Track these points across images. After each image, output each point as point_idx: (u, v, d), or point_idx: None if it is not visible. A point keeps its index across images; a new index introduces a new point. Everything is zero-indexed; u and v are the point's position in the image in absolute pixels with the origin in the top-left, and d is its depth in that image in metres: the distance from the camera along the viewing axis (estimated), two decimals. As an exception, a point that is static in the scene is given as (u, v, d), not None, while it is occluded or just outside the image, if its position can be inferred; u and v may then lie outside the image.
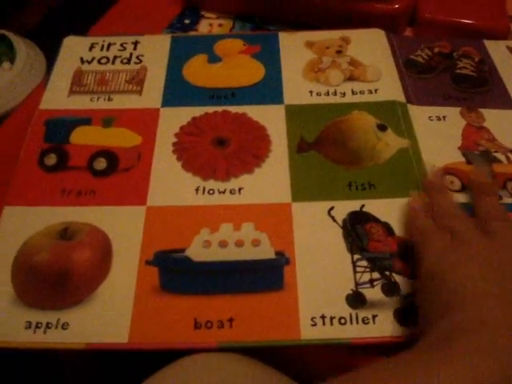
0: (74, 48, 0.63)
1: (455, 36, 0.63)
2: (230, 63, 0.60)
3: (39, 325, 0.42)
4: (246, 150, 0.52)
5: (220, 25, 0.69)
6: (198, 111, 0.56)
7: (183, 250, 0.46)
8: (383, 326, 0.42)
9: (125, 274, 0.45)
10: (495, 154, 0.52)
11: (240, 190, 0.50)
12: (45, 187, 0.50)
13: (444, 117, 0.55)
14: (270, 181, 0.50)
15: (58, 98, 0.57)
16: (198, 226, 0.47)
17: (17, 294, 0.44)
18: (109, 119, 0.55)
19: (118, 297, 0.43)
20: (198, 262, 0.45)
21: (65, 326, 0.42)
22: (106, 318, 0.42)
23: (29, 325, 0.42)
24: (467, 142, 0.53)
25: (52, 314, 0.43)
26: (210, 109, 0.56)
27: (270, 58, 0.61)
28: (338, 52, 0.60)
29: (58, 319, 0.42)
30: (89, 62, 0.61)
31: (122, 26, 0.69)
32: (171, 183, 0.50)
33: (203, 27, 0.69)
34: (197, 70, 0.60)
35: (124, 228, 0.47)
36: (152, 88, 0.58)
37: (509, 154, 0.52)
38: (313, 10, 0.64)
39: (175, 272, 0.45)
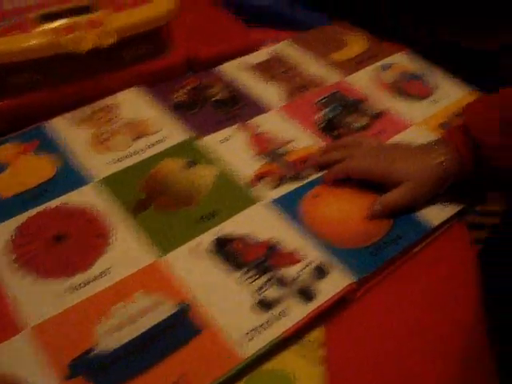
0: None
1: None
2: (18, 166, 0.59)
3: None
4: (88, 234, 0.53)
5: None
6: (19, 220, 0.54)
7: (93, 348, 0.45)
8: (296, 310, 0.48)
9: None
10: (282, 148, 0.63)
11: (108, 269, 0.50)
12: None
13: (229, 136, 0.64)
14: (129, 249, 0.52)
15: None
16: (91, 321, 0.46)
17: None
18: None
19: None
20: (114, 350, 0.45)
21: None
22: None
23: None
24: (258, 147, 0.63)
25: None
26: (28, 214, 0.54)
27: (54, 148, 0.61)
28: (112, 119, 0.63)
29: None
30: None
31: None
32: (37, 296, 0.48)
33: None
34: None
35: (21, 361, 0.44)
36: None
37: (291, 144, 0.63)
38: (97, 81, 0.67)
39: (101, 370, 0.44)
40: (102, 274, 0.50)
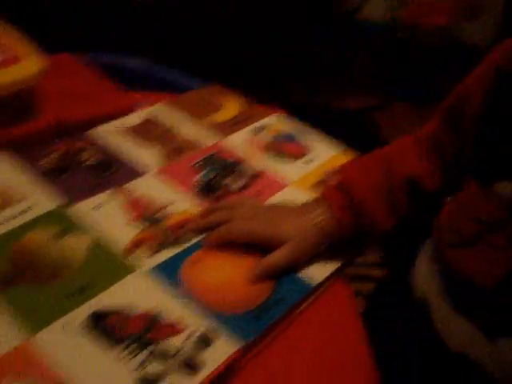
0: None
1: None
2: None
3: None
4: None
5: None
6: None
7: None
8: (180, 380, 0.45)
9: None
10: (159, 213, 0.61)
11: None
12: None
13: (102, 202, 0.61)
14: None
15: None
16: None
17: None
18: None
19: None
20: None
21: None
22: None
23: None
24: (134, 213, 0.60)
25: None
26: None
27: None
28: (-29, 188, 0.58)
29: None
30: None
31: None
32: None
33: None
34: None
35: None
36: None
37: (168, 208, 0.62)
38: None
39: None
40: (-40, 363, 0.44)
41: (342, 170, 0.63)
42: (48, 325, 0.48)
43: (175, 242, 0.58)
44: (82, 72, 0.82)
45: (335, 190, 0.61)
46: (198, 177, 0.68)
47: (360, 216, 0.58)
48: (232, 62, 1.66)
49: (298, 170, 0.73)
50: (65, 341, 0.47)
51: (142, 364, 0.46)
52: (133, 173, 0.67)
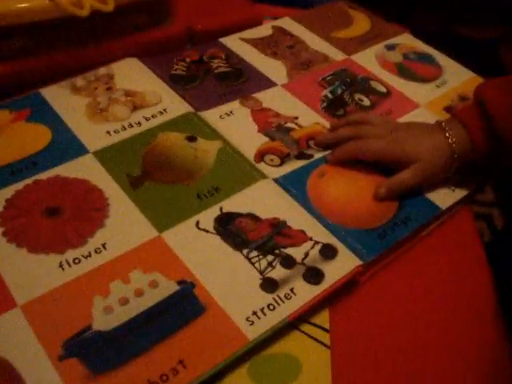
0: None
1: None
2: (9, 135, 0.55)
3: None
4: (83, 207, 0.50)
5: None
6: (7, 192, 0.50)
7: (89, 328, 0.42)
8: (302, 291, 0.45)
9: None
10: (286, 125, 0.60)
11: (104, 245, 0.47)
12: None
13: (231, 111, 0.61)
14: (126, 225, 0.49)
15: None
16: (86, 299, 0.43)
17: None
18: None
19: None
20: (112, 330, 0.42)
21: None
22: None
23: None
24: (261, 123, 0.60)
25: None
26: (19, 185, 0.51)
27: (47, 117, 0.58)
28: (108, 89, 0.60)
29: None
30: None
31: None
32: (29, 272, 0.45)
33: None
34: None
35: (11, 339, 0.41)
36: None
37: (295, 121, 0.61)
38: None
39: (97, 351, 0.41)
40: (97, 250, 0.47)
41: (479, 88, 0.58)
42: (176, 224, 0.50)
43: (300, 154, 0.58)
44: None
45: (471, 109, 0.56)
46: (325, 91, 0.66)
47: (497, 139, 0.54)
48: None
49: (429, 92, 0.69)
50: (194, 239, 0.49)
51: (267, 268, 0.47)
52: (262, 84, 0.66)
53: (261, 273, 0.46)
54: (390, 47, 0.76)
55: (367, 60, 0.73)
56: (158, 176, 0.53)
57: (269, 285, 0.46)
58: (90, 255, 0.46)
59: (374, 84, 0.68)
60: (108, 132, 0.57)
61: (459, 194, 0.57)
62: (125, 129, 0.57)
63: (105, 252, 0.47)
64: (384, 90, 0.68)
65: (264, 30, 0.76)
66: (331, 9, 0.83)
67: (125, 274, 0.45)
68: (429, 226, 0.54)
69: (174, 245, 0.48)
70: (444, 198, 0.56)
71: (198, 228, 0.49)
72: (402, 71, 0.72)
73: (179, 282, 0.45)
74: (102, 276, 0.45)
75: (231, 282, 0.46)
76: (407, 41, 0.78)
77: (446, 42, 0.82)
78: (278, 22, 0.77)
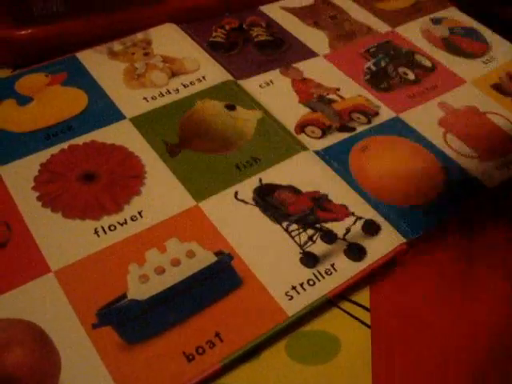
0: None
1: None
2: (45, 99, 0.54)
3: None
4: (120, 174, 0.48)
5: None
6: (42, 157, 0.49)
7: (124, 296, 0.41)
8: (343, 268, 0.44)
9: (79, 353, 0.38)
10: (328, 97, 0.58)
11: (140, 213, 0.46)
12: None
13: (271, 81, 0.59)
14: (163, 193, 0.47)
15: None
16: (122, 267, 0.42)
17: None
18: None
19: (88, 375, 0.37)
20: (148, 300, 0.41)
21: None
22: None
23: None
24: (302, 94, 0.58)
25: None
26: (54, 149, 0.50)
27: (83, 81, 0.56)
28: (146, 54, 0.59)
29: None
30: None
31: None
32: (64, 237, 0.44)
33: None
34: (13, 118, 0.52)
35: (44, 304, 0.40)
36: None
37: (337, 92, 0.59)
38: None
39: (132, 320, 0.40)
40: (134, 218, 0.45)
41: None
42: (214, 194, 0.48)
43: (342, 127, 0.55)
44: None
45: None
46: (369, 63, 0.63)
47: None
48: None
49: (476, 68, 0.66)
50: (232, 210, 0.47)
51: (307, 242, 0.45)
52: (302, 54, 0.64)
53: (301, 247, 0.45)
54: (436, 21, 0.73)
55: (412, 33, 0.70)
56: (196, 144, 0.51)
57: (309, 259, 0.44)
58: (125, 222, 0.45)
59: (418, 58, 0.66)
60: (145, 98, 0.55)
61: (506, 173, 0.54)
62: (162, 95, 0.56)
63: (141, 220, 0.46)
64: (429, 64, 0.65)
65: (305, -1, 0.73)
66: (375, -21, 0.80)
67: (161, 242, 0.44)
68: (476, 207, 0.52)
69: (211, 215, 0.46)
70: (491, 177, 0.53)
71: (237, 199, 0.48)
72: (448, 46, 0.69)
73: (216, 253, 0.44)
74: (138, 244, 0.44)
75: (270, 256, 0.44)
76: (454, 15, 0.75)
77: (495, 17, 0.79)
78: (321, -8, 0.75)
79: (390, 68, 0.63)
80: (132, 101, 0.55)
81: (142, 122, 0.53)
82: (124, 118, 0.53)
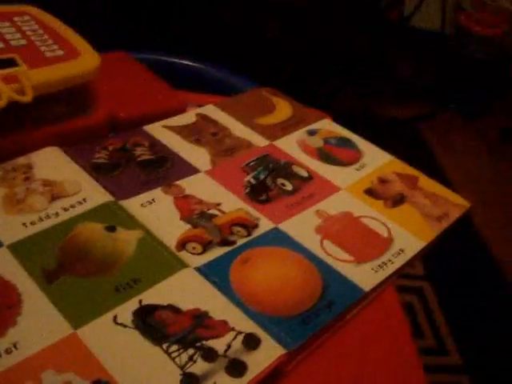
0: None
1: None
2: None
3: None
4: (-6, 305, 0.47)
5: None
6: None
7: None
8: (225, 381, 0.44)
9: None
10: (209, 212, 0.60)
11: (15, 344, 0.44)
12: None
13: (153, 199, 0.61)
14: (39, 322, 0.46)
15: None
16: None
17: None
18: None
19: None
20: None
21: None
22: None
23: None
24: (184, 211, 0.59)
25: None
26: None
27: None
28: (27, 179, 0.59)
29: None
30: None
31: None
32: None
33: None
34: None
35: None
36: None
37: (218, 207, 0.61)
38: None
39: None
40: (8, 350, 0.44)
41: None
42: (93, 319, 0.48)
43: (223, 241, 0.57)
44: (136, 70, 0.82)
45: None
46: (248, 177, 0.67)
47: None
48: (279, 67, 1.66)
49: (350, 176, 0.71)
50: (111, 335, 0.47)
51: (188, 363, 0.45)
52: (185, 171, 0.66)
53: (181, 368, 0.45)
54: (311, 132, 0.78)
55: (289, 145, 0.75)
56: (75, 269, 0.51)
57: (189, 381, 0.44)
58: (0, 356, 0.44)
59: (296, 169, 0.70)
60: (24, 224, 0.55)
61: (383, 274, 0.58)
62: (42, 220, 0.56)
63: (16, 352, 0.44)
64: (306, 174, 0.70)
65: (188, 117, 0.77)
66: (254, 95, 0.86)
67: (37, 375, 0.43)
68: (353, 309, 0.55)
69: (89, 342, 0.46)
70: (367, 279, 0.56)
71: (116, 323, 0.47)
72: (323, 155, 0.74)
73: (94, 383, 0.43)
74: (12, 378, 0.42)
75: (149, 380, 0.44)
76: (328, 126, 0.81)
77: (367, 123, 0.86)
78: (202, 110, 0.79)
79: (269, 180, 0.67)
80: (10, 227, 0.54)
81: (20, 249, 0.52)
82: (1, 245, 0.52)
